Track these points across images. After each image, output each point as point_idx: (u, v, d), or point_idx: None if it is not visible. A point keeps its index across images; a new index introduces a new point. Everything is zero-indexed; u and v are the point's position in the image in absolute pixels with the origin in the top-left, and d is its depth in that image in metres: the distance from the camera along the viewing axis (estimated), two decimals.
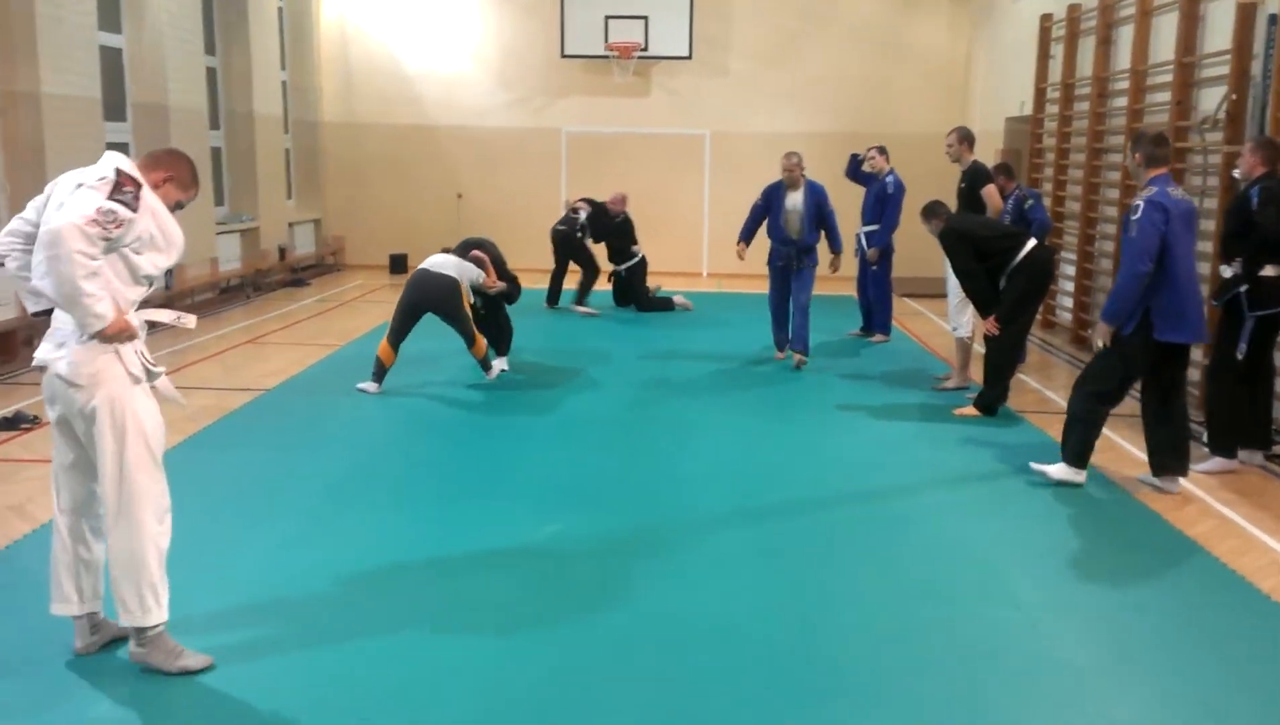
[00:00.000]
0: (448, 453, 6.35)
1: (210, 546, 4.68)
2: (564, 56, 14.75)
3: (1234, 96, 7.32)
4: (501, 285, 8.25)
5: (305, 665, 3.65)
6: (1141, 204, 5.39)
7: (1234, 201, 6.19)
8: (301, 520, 5.06)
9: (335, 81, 15.33)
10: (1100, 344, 5.62)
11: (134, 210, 3.32)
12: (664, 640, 3.89)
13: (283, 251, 13.75)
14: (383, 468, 5.99)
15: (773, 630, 4.00)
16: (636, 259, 11.72)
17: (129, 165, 3.44)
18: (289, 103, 14.56)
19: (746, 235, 9.03)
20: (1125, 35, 9.36)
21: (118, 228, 3.27)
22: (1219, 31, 7.73)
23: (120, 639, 3.71)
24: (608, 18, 14.44)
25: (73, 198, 3.31)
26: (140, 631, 3.52)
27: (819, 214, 8.75)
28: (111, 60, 10.39)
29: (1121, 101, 9.33)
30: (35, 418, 6.66)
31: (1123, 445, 6.63)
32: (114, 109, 10.37)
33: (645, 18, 14.43)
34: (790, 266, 8.80)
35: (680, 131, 15.15)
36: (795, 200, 8.75)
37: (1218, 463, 6.12)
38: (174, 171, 3.58)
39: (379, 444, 6.52)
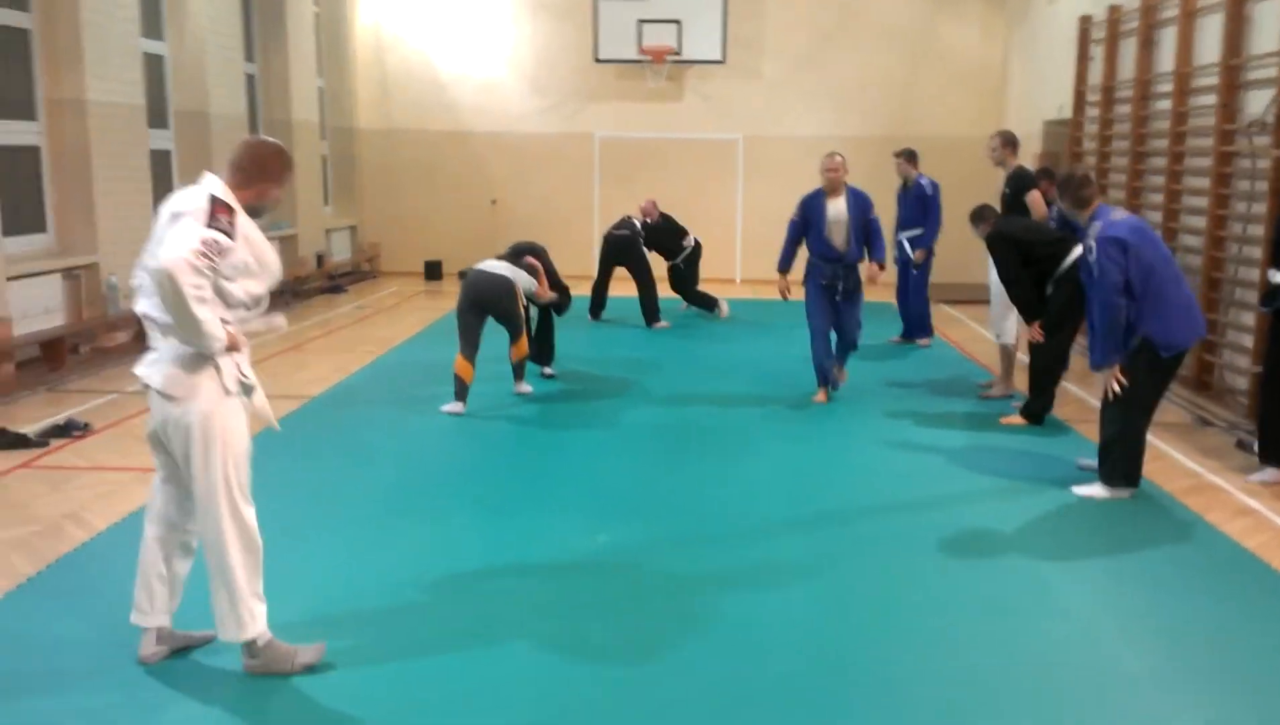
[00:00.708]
0: (493, 462, 6.36)
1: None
2: (597, 61, 14.78)
3: None
4: (552, 295, 8.22)
5: (361, 678, 3.66)
6: (1094, 243, 5.44)
7: None
8: (351, 531, 5.07)
9: (371, 88, 15.41)
10: (1115, 390, 5.56)
11: (232, 238, 3.34)
12: (718, 647, 3.88)
13: (320, 258, 13.84)
14: (429, 478, 6.00)
15: (825, 640, 3.98)
16: (690, 248, 11.68)
17: (223, 190, 3.43)
18: (325, 109, 14.66)
19: (786, 263, 7.86)
20: (1168, 37, 9.27)
21: (222, 256, 3.30)
22: (1267, 32, 7.64)
23: (186, 648, 3.75)
24: (641, 22, 14.45)
25: (172, 230, 3.32)
26: (247, 645, 3.57)
27: (864, 223, 7.70)
28: (153, 67, 10.50)
29: (1165, 104, 9.23)
30: (86, 425, 6.73)
31: (1171, 454, 6.57)
32: (156, 116, 10.47)
33: (678, 22, 14.43)
34: (835, 286, 7.68)
35: (713, 136, 15.14)
36: (838, 208, 7.62)
37: (1271, 473, 6.04)
38: (268, 177, 3.54)
39: (424, 454, 6.52)
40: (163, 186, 10.66)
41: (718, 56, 14.56)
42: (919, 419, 7.38)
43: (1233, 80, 8.01)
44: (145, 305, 3.45)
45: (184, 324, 3.26)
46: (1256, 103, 7.72)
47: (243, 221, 3.42)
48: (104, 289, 9.12)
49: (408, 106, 15.37)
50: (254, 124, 12.66)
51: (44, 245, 8.99)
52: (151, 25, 10.46)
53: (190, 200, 3.37)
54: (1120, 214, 5.61)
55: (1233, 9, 7.98)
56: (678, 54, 14.53)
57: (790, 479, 6.01)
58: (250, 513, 3.56)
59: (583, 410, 7.54)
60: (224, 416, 3.44)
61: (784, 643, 3.95)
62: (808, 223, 7.69)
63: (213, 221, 3.29)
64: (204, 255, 3.23)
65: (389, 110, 15.44)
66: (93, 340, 9.21)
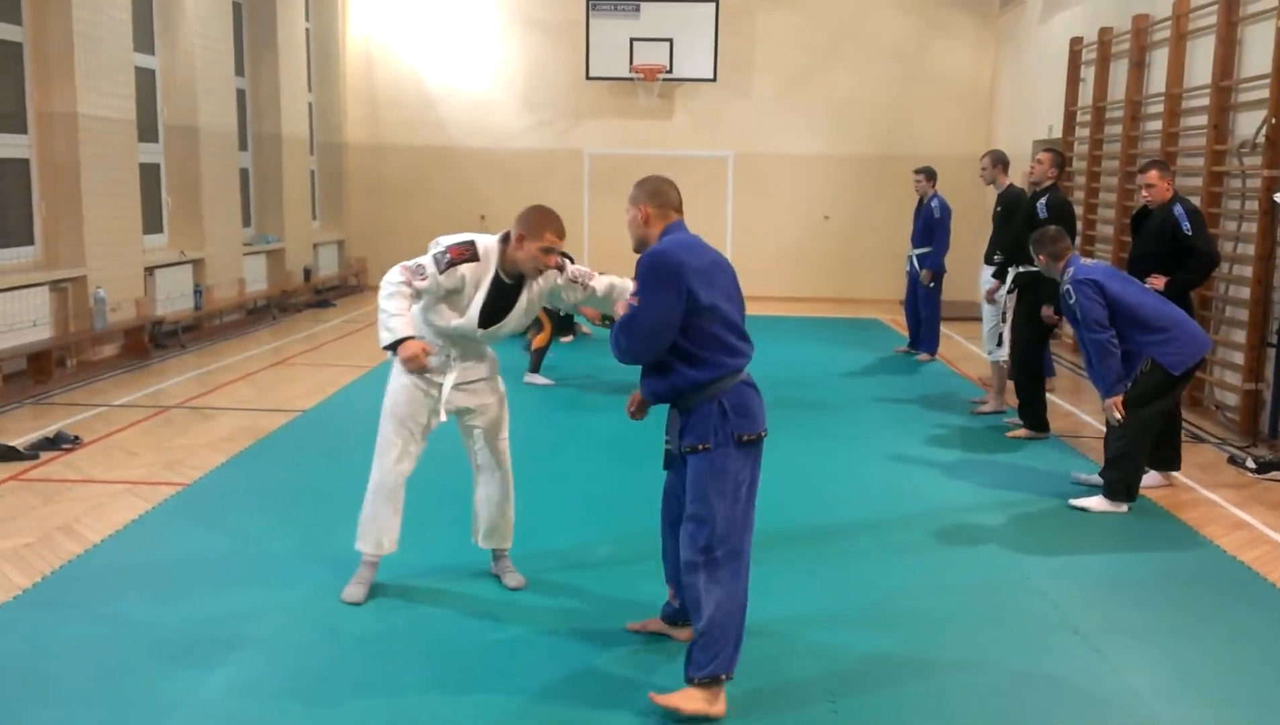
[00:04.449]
0: None
1: (272, 556, 4.66)
2: (589, 79, 14.81)
3: (1273, 120, 7.29)
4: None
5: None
6: (1070, 287, 5.68)
7: (1156, 221, 6.34)
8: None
9: (360, 103, 15.40)
10: (1118, 417, 5.62)
11: (439, 270, 3.99)
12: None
13: (307, 272, 13.78)
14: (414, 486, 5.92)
15: (830, 659, 3.95)
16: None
17: (486, 242, 4.08)
18: (314, 124, 14.63)
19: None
20: (1159, 59, 9.35)
21: (421, 280, 3.98)
22: (1257, 55, 7.71)
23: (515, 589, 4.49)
24: (633, 40, 14.51)
25: None
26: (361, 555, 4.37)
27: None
28: (144, 81, 10.45)
29: (1155, 125, 9.31)
30: (76, 438, 6.66)
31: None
32: (146, 130, 10.42)
33: (670, 40, 14.49)
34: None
35: (704, 153, 15.18)
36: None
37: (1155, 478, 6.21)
38: (522, 228, 4.00)
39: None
40: (151, 200, 10.62)
41: (709, 75, 14.62)
42: (912, 434, 7.38)
43: (1223, 102, 8.08)
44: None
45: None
46: (1247, 124, 7.78)
47: (468, 269, 4.02)
48: (91, 302, 9.05)
49: (397, 122, 15.36)
50: (244, 139, 12.62)
51: (31, 258, 8.91)
52: (143, 39, 10.42)
53: (447, 238, 4.12)
54: (1089, 261, 5.89)
55: (1224, 32, 8.06)
56: (669, 72, 14.59)
57: (790, 492, 5.92)
58: (392, 470, 4.29)
59: (577, 418, 7.49)
60: (396, 390, 4.27)
61: (786, 653, 3.92)
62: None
63: (439, 254, 4.02)
64: (406, 270, 4.00)
65: (378, 126, 15.42)
66: (79, 353, 9.14)
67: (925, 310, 10.39)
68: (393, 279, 4.00)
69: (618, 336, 3.50)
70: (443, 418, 4.31)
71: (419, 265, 3.99)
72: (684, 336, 3.43)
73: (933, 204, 10.22)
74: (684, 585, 3.55)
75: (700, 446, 3.47)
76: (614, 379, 8.85)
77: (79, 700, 3.50)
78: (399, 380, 4.27)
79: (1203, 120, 8.39)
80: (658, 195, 3.65)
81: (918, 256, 10.35)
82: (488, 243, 4.07)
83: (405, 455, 4.30)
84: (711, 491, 3.46)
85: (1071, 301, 5.65)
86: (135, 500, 5.56)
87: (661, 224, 3.62)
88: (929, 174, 10.37)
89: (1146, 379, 5.57)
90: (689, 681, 3.45)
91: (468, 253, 4.03)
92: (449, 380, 4.25)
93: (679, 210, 3.66)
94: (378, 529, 4.32)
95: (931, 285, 10.23)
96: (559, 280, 4.22)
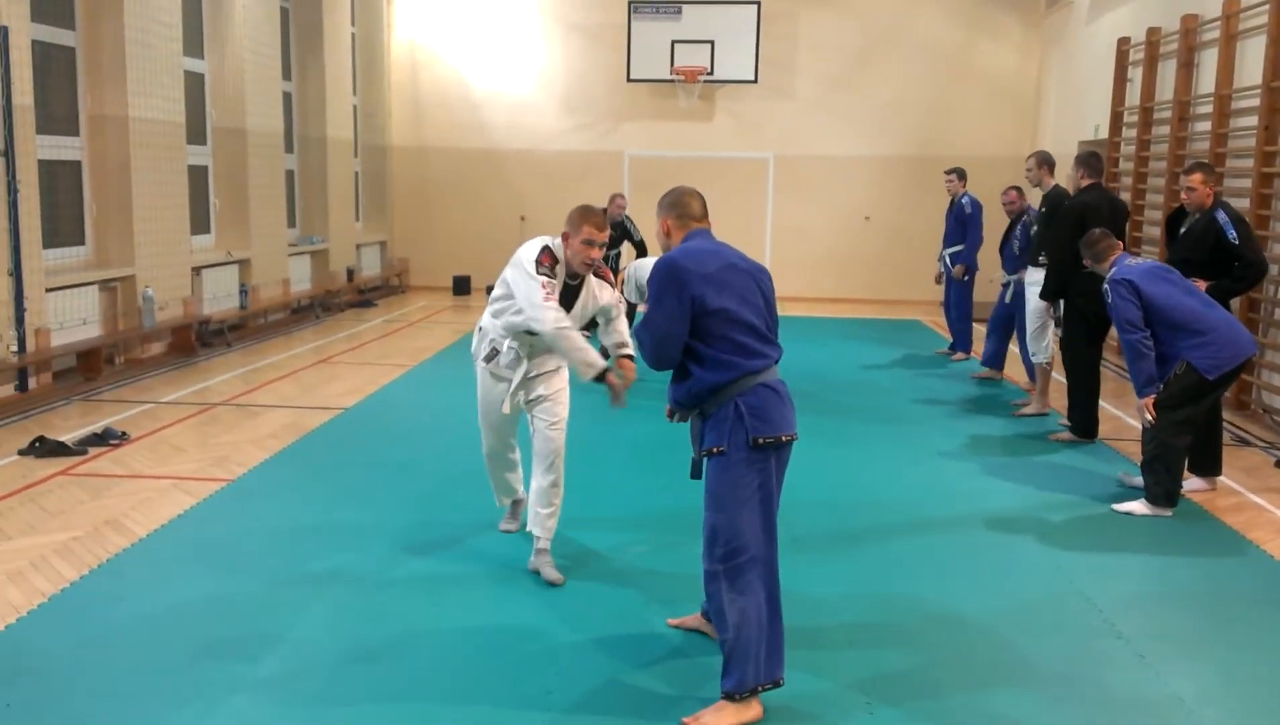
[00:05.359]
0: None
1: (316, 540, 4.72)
2: (630, 81, 14.84)
3: None
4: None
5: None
6: (1107, 286, 5.67)
7: (1198, 227, 6.23)
8: (393, 524, 5.07)
9: (404, 106, 15.54)
10: (1149, 418, 5.57)
11: (551, 277, 4.29)
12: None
13: (351, 273, 13.92)
14: (459, 489, 5.97)
15: (869, 664, 3.94)
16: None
17: (555, 244, 4.36)
18: (359, 127, 14.78)
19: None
20: (1209, 59, 9.21)
21: (554, 295, 4.28)
22: None
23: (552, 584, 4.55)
24: (674, 42, 14.53)
25: (521, 285, 4.34)
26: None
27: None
28: (194, 85, 10.61)
29: (1204, 126, 9.17)
30: (124, 433, 6.77)
31: None
32: (195, 132, 10.58)
33: (711, 42, 14.48)
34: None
35: (744, 155, 15.16)
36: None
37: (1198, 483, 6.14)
38: (568, 227, 4.33)
39: (455, 466, 6.49)
40: (199, 202, 10.78)
41: (750, 76, 14.59)
42: (953, 435, 7.32)
43: (1274, 103, 7.95)
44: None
45: (564, 353, 4.37)
46: None
47: (557, 271, 4.33)
48: (140, 301, 9.21)
49: (440, 125, 15.49)
50: (290, 141, 12.78)
51: (82, 257, 9.08)
52: (193, 44, 10.59)
53: (528, 250, 4.36)
54: (1135, 261, 5.82)
55: (1275, 32, 7.92)
56: (710, 74, 14.58)
57: (823, 494, 5.92)
58: (486, 445, 4.91)
59: (607, 419, 7.50)
60: (480, 383, 4.74)
61: (816, 664, 3.91)
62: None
63: (539, 268, 4.27)
64: (547, 300, 4.25)
65: (421, 128, 15.56)
66: (128, 351, 9.29)
67: (957, 309, 10.45)
68: (549, 317, 4.23)
69: (637, 341, 3.66)
70: (505, 410, 4.64)
71: (539, 286, 4.23)
72: (697, 339, 3.43)
73: (964, 201, 10.29)
74: (706, 594, 3.54)
75: (716, 449, 3.44)
76: (652, 379, 8.85)
77: (126, 692, 3.56)
78: (480, 377, 4.74)
79: (1253, 121, 8.25)
80: (677, 206, 3.70)
81: (950, 255, 10.37)
82: (555, 244, 4.36)
83: (496, 444, 4.89)
84: (728, 497, 3.42)
85: (1108, 301, 5.64)
86: (182, 495, 5.65)
87: (682, 234, 3.67)
88: (960, 174, 10.46)
89: (1180, 381, 5.51)
90: (724, 696, 3.44)
91: (550, 259, 4.33)
92: (518, 374, 4.58)
93: (701, 219, 3.69)
94: (495, 489, 5.11)
95: (965, 278, 10.22)
96: (598, 290, 4.54)
